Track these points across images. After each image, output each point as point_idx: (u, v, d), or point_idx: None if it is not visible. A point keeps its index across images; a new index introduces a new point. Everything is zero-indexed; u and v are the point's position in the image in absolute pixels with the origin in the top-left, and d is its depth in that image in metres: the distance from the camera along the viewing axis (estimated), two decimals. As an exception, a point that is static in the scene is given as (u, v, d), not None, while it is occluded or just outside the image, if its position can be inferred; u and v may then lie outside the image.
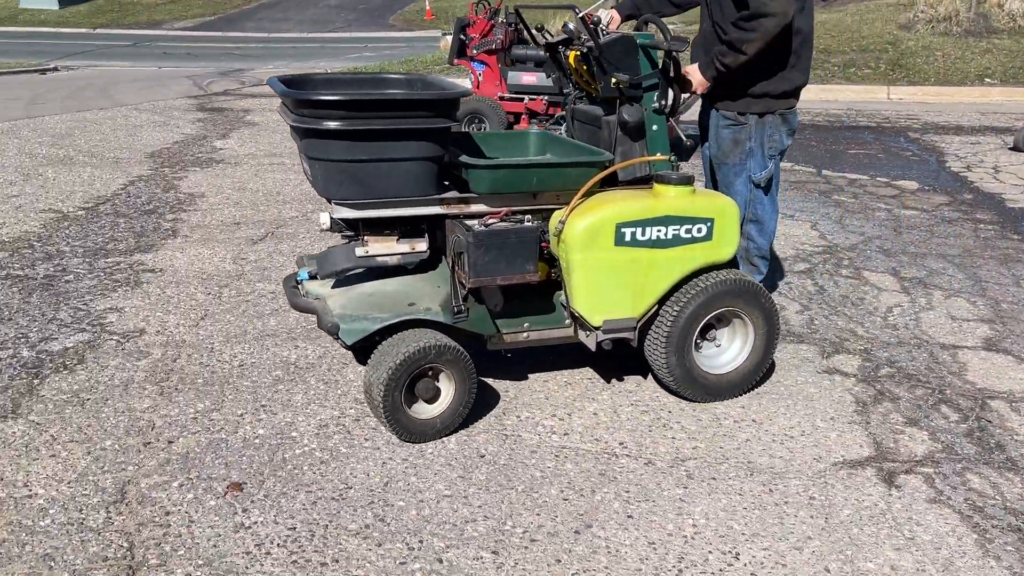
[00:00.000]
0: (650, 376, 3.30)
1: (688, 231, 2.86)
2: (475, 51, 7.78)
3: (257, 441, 2.78)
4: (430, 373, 2.78)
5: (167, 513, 2.39)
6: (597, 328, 2.88)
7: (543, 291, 3.01)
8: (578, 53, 3.04)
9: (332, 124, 2.54)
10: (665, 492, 2.55)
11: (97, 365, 3.29)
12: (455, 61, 8.11)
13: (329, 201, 2.75)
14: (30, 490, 2.48)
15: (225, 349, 3.47)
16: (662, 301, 2.95)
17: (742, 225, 3.41)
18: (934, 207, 5.96)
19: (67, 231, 5.09)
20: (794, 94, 3.37)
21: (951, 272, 4.58)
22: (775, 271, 4.56)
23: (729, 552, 2.28)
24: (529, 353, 3.46)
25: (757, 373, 3.12)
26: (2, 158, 7.13)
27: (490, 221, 2.78)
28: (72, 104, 10.56)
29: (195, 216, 5.50)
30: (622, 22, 3.46)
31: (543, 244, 2.87)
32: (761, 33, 3.08)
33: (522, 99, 7.60)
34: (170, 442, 2.76)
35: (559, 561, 2.24)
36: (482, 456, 2.73)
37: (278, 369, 3.30)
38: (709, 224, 2.88)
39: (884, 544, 2.32)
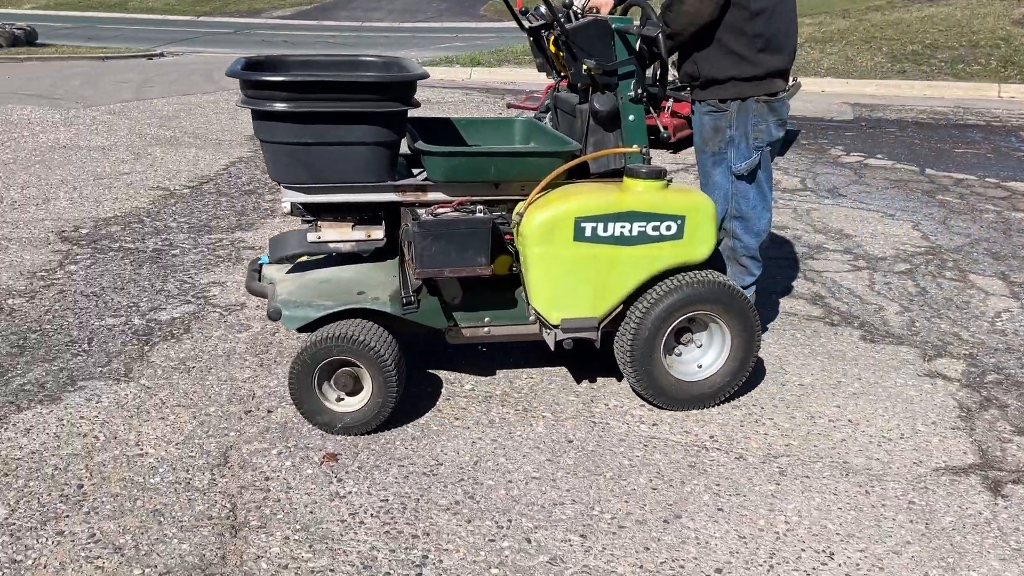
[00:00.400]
0: (742, 371, 3.25)
1: (656, 228, 2.70)
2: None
3: (351, 415, 2.85)
4: (348, 365, 2.68)
5: (267, 478, 2.48)
6: (556, 326, 2.76)
7: (506, 285, 2.88)
8: (555, 37, 2.88)
9: (278, 106, 2.49)
10: (757, 487, 2.51)
11: (201, 335, 3.44)
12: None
13: (279, 185, 2.70)
14: (141, 449, 2.62)
15: (321, 325, 3.57)
16: (629, 301, 2.81)
17: (724, 221, 3.20)
18: (1048, 210, 5.66)
19: (174, 208, 5.32)
20: (770, 78, 3.07)
21: (1066, 278, 4.35)
22: (874, 269, 4.41)
23: (823, 551, 2.23)
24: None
25: (735, 382, 2.93)
26: (115, 137, 7.49)
27: (439, 210, 2.67)
28: (178, 88, 11.00)
29: (292, 197, 5.66)
30: (615, 6, 3.21)
31: (507, 236, 2.76)
32: (669, 30, 2.96)
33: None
34: (269, 411, 2.86)
35: (647, 549, 2.23)
36: (570, 441, 2.74)
37: (371, 347, 3.38)
38: (680, 221, 2.70)
39: (989, 554, 2.23)
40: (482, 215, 2.68)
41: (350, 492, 2.43)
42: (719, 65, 3.05)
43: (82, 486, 2.42)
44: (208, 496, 2.39)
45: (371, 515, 2.33)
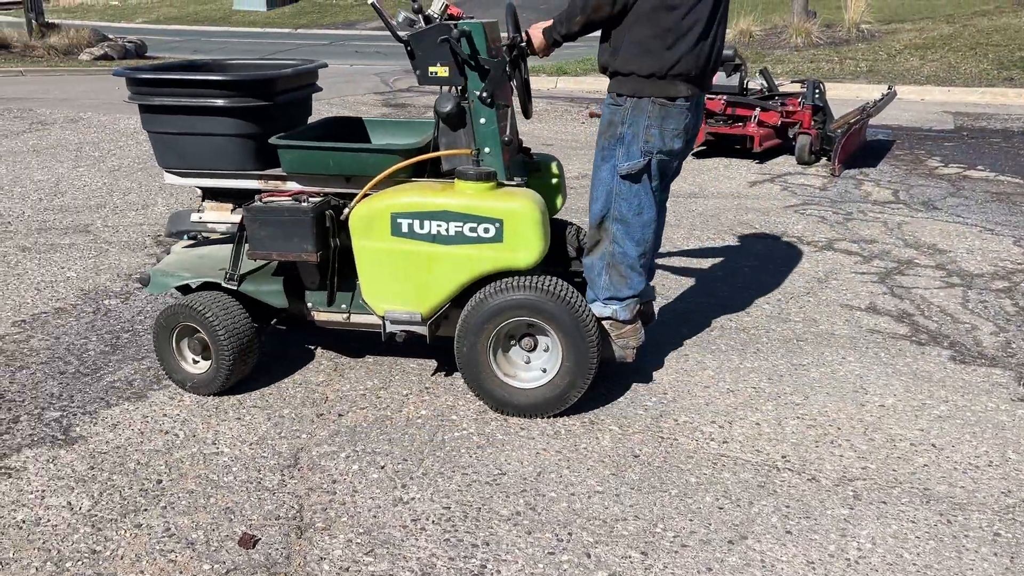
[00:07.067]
0: (820, 389, 3.14)
1: (473, 230, 2.74)
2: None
3: (419, 421, 2.89)
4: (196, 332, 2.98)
5: (334, 482, 2.54)
6: (381, 317, 2.92)
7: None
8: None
9: (157, 100, 2.93)
10: (829, 511, 2.42)
11: (278, 338, 3.53)
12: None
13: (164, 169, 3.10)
14: (217, 448, 2.71)
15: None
16: (460, 300, 2.88)
17: (604, 221, 2.99)
18: None
19: None
20: (669, 78, 2.82)
21: None
22: (968, 287, 4.20)
23: (896, 582, 2.14)
24: (685, 355, 3.39)
25: (563, 398, 2.86)
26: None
27: (269, 198, 2.91)
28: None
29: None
30: None
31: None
32: (583, 10, 2.83)
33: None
34: (340, 415, 2.93)
35: (710, 569, 2.18)
36: (636, 456, 2.70)
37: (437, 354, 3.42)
38: (498, 225, 2.72)
39: (1081, 594, 2.09)
40: (305, 204, 2.86)
41: (413, 498, 2.46)
42: (625, 56, 2.88)
43: (160, 481, 2.53)
44: (277, 496, 2.46)
45: (432, 522, 2.36)
